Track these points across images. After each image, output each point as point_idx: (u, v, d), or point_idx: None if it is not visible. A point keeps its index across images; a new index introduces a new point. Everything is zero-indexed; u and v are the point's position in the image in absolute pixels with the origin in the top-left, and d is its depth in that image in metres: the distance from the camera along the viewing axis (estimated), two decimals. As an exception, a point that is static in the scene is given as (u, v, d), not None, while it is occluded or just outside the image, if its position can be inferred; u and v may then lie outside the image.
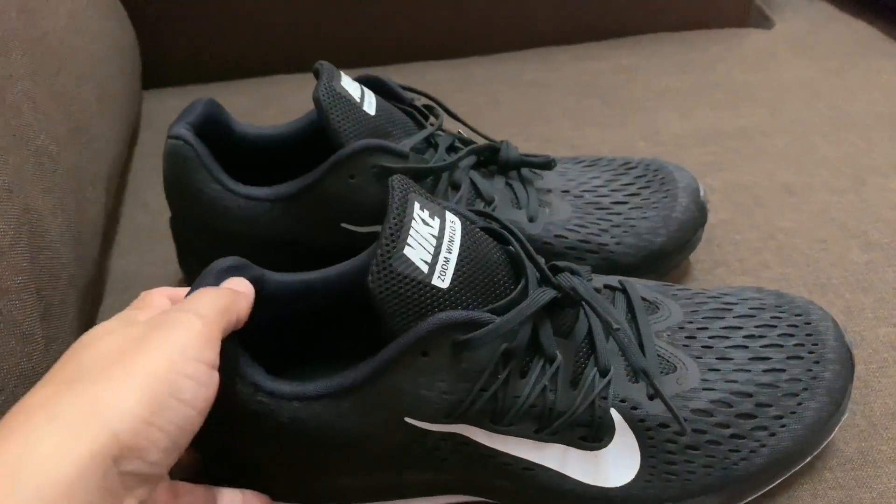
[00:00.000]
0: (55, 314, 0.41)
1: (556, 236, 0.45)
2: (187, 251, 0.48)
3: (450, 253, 0.32)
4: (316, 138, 0.46)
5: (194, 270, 0.48)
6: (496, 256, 0.34)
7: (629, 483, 0.35)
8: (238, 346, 0.33)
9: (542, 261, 0.35)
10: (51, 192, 0.43)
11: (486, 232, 0.35)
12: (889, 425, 0.41)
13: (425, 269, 0.31)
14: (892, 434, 0.41)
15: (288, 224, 0.43)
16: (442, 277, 0.31)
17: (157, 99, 0.70)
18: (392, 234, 0.31)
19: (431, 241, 0.32)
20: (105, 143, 0.53)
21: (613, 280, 0.40)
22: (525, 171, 0.47)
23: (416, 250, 0.31)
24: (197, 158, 0.42)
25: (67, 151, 0.46)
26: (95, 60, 0.55)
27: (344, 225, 0.43)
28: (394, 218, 0.31)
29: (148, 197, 0.59)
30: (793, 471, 0.37)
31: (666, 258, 0.46)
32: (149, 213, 0.58)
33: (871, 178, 0.56)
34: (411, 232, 0.31)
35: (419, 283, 0.31)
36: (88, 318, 0.48)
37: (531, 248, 0.35)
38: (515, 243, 0.35)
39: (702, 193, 0.48)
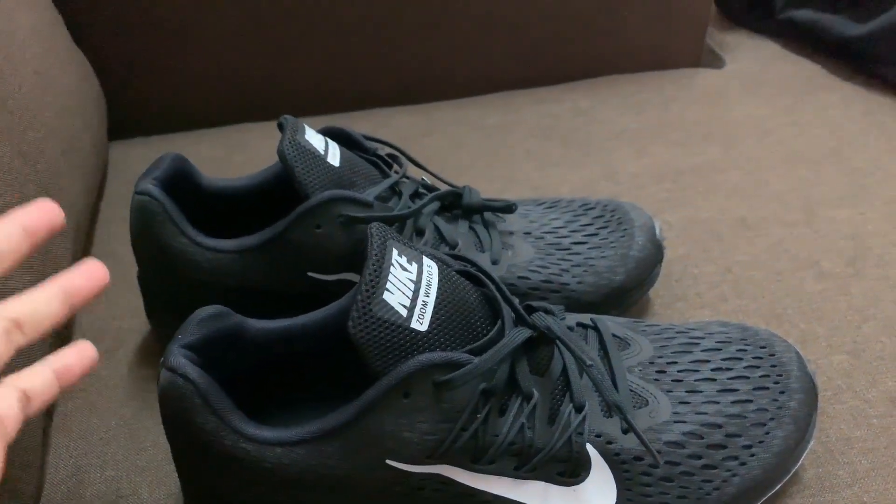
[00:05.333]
0: (23, 372, 0.41)
1: (520, 277, 0.46)
2: (155, 303, 0.48)
3: (427, 297, 0.33)
4: (281, 189, 0.47)
5: (163, 322, 0.49)
6: (472, 298, 0.35)
7: (608, 516, 0.36)
8: (221, 394, 0.33)
9: (516, 301, 0.36)
10: (17, 250, 0.43)
11: (462, 275, 0.37)
12: (845, 451, 0.42)
13: (404, 312, 0.32)
14: (847, 459, 0.42)
15: (255, 274, 0.44)
16: (420, 321, 0.32)
17: (123, 149, 0.70)
18: (371, 280, 0.32)
19: (410, 286, 0.33)
20: (71, 198, 0.53)
21: (585, 318, 0.41)
22: (487, 215, 0.48)
23: (395, 295, 0.32)
24: (164, 213, 0.43)
25: (34, 208, 0.47)
26: (62, 115, 0.55)
27: (311, 273, 0.44)
28: (373, 264, 0.33)
29: (115, 247, 0.59)
30: (763, 498, 0.38)
31: (625, 295, 0.48)
32: (117, 263, 0.57)
33: (820, 210, 0.59)
34: (390, 277, 0.32)
35: (398, 327, 0.32)
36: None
37: (506, 290, 0.36)
38: (491, 285, 0.36)
39: (658, 232, 0.50)
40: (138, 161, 0.64)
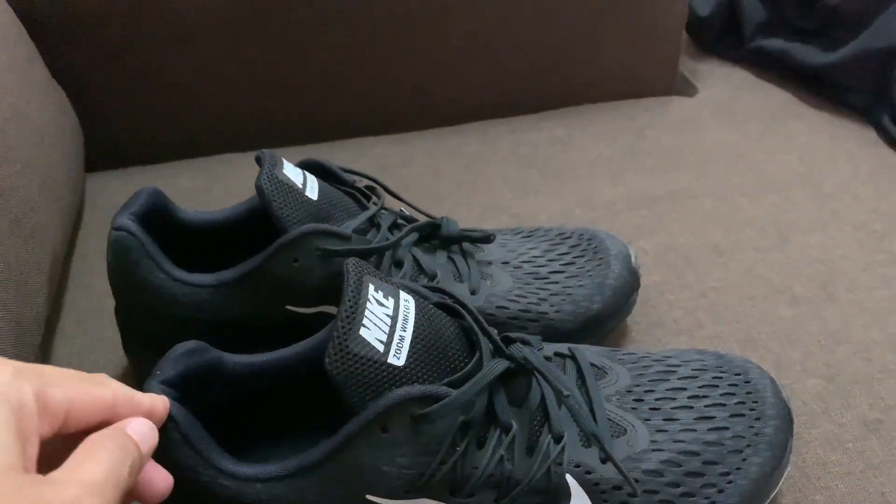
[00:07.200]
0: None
1: (499, 307, 0.46)
2: (132, 337, 0.48)
3: (404, 331, 0.33)
4: (259, 221, 0.47)
5: (140, 357, 0.48)
6: (450, 331, 0.35)
7: (587, 547, 0.36)
8: (200, 429, 0.33)
9: (494, 332, 0.36)
10: (-9, 287, 0.43)
11: (439, 307, 0.37)
12: (821, 475, 0.43)
13: (381, 348, 0.32)
14: (824, 483, 0.43)
15: (233, 308, 0.44)
16: (398, 356, 0.33)
17: (100, 181, 0.70)
18: (348, 317, 0.32)
19: (386, 321, 0.33)
20: (47, 232, 0.53)
21: (563, 348, 0.41)
22: (466, 245, 0.49)
23: (372, 330, 0.32)
24: (141, 248, 0.43)
25: (8, 244, 0.46)
26: (38, 149, 0.55)
27: (289, 307, 0.44)
28: (349, 300, 0.33)
29: (92, 280, 0.59)
30: (742, 525, 0.39)
31: (603, 323, 0.48)
32: (93, 296, 0.57)
33: (792, 235, 0.60)
34: (366, 313, 0.33)
35: (375, 363, 0.32)
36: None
37: (483, 321, 0.36)
38: (468, 317, 0.36)
39: (633, 260, 0.50)
40: (116, 193, 0.64)
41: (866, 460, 0.44)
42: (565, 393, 0.34)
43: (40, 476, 0.25)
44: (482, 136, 0.73)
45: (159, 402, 0.31)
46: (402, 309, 0.34)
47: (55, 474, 0.25)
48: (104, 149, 0.71)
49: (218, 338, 0.39)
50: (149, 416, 0.30)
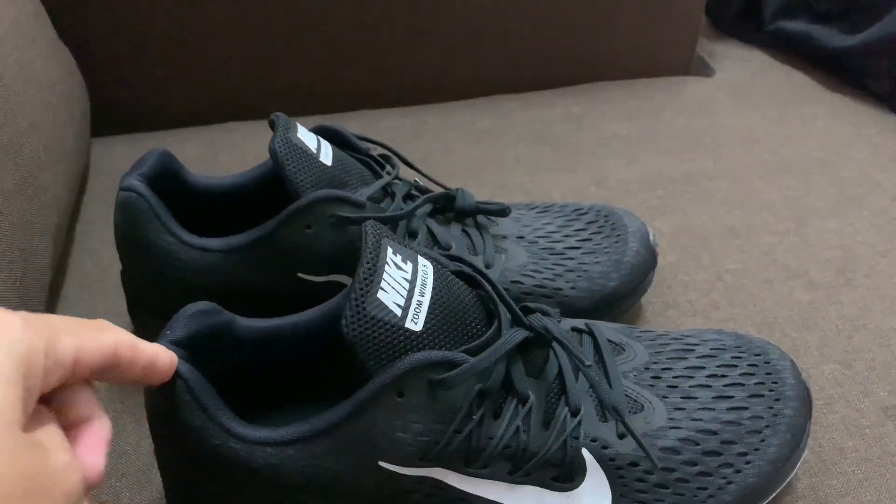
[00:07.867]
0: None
1: (513, 282, 0.45)
2: (138, 303, 0.47)
3: (422, 296, 0.32)
4: (271, 188, 0.46)
5: (146, 322, 0.47)
6: (468, 299, 0.35)
7: (602, 523, 0.35)
8: (211, 390, 0.32)
9: (512, 302, 0.35)
10: (-4, 245, 0.42)
11: (457, 275, 0.36)
12: (838, 461, 0.42)
13: (399, 312, 0.32)
14: (841, 469, 0.42)
15: (243, 275, 0.43)
16: (415, 320, 0.32)
17: (106, 146, 0.69)
18: (366, 279, 0.31)
19: (404, 285, 0.32)
20: (53, 193, 0.52)
21: (580, 323, 0.40)
22: (480, 218, 0.48)
23: (390, 294, 0.32)
24: (150, 210, 0.42)
25: (14, 203, 0.45)
26: (45, 109, 0.54)
27: (300, 275, 0.43)
28: (367, 262, 0.32)
29: (97, 245, 0.58)
30: (758, 507, 0.38)
31: (618, 301, 0.47)
32: (97, 262, 0.56)
33: (810, 219, 0.59)
34: (384, 276, 0.32)
35: (393, 327, 0.31)
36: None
37: (502, 290, 0.35)
38: (487, 286, 0.35)
39: (651, 238, 0.49)
40: (121, 159, 0.63)
41: (883, 447, 0.43)
42: (587, 363, 0.34)
43: (31, 437, 0.24)
44: (495, 112, 0.71)
45: (163, 354, 0.31)
46: (420, 274, 0.33)
47: (42, 438, 0.25)
48: (109, 114, 0.70)
49: (227, 304, 0.38)
50: (151, 364, 0.30)
